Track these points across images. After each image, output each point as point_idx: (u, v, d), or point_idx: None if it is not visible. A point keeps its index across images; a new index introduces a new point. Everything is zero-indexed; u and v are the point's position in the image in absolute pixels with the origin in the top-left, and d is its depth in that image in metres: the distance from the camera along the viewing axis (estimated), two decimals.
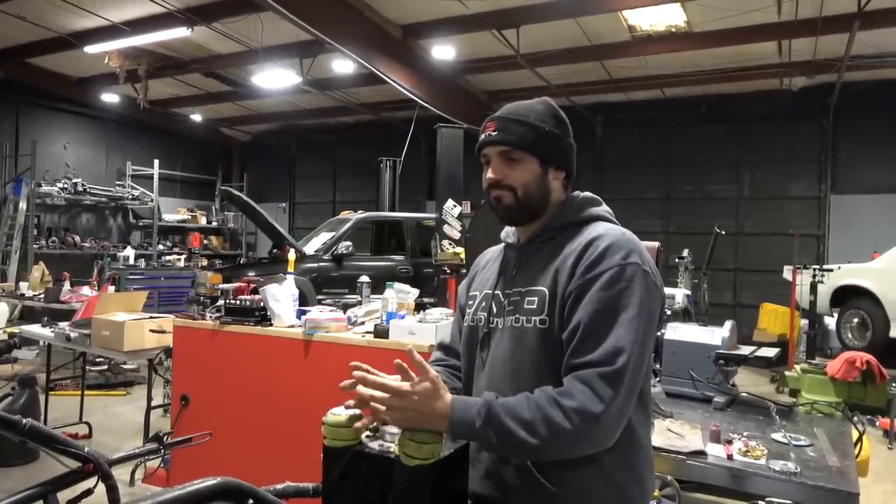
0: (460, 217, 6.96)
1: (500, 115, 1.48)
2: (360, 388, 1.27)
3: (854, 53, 7.67)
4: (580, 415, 1.19)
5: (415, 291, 3.36)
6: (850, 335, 7.89)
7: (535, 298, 1.38)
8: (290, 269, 3.62)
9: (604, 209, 1.50)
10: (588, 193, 1.53)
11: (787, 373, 6.47)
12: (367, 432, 1.31)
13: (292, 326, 3.28)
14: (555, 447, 1.22)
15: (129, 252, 9.98)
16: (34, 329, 5.12)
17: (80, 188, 11.07)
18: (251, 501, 1.19)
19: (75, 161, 11.63)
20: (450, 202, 7.02)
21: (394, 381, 1.28)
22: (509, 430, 1.21)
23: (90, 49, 8.54)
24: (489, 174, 1.47)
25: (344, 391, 1.31)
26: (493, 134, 1.45)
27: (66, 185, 10.88)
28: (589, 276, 1.31)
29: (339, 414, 1.28)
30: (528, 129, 1.44)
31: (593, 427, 1.21)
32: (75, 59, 9.46)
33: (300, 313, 3.31)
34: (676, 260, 6.94)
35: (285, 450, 3.09)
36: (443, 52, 8.67)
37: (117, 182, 12.26)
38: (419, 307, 3.41)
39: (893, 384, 5.59)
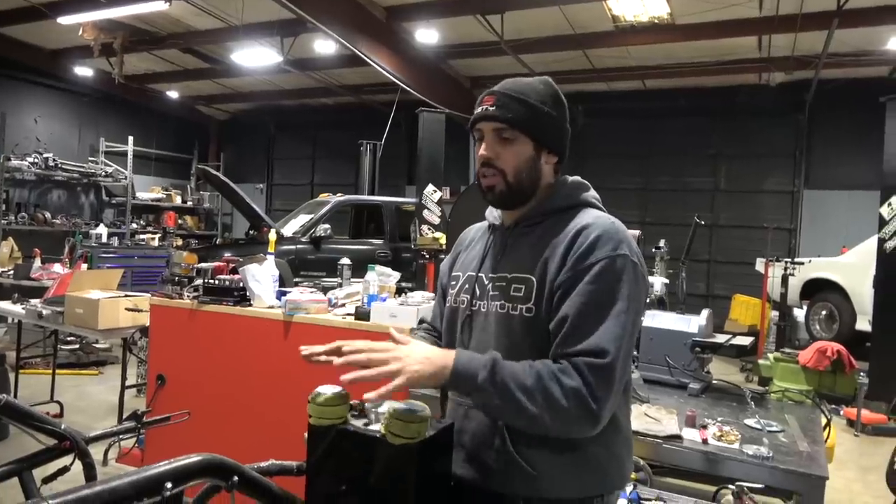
0: (440, 202, 6.94)
1: (500, 89, 1.42)
2: (353, 355, 1.24)
3: (832, 51, 7.78)
4: (577, 398, 1.20)
5: (396, 275, 3.35)
6: (818, 327, 8.10)
7: (523, 286, 1.37)
8: (271, 249, 3.58)
9: (592, 195, 1.48)
10: (577, 178, 1.50)
11: (760, 361, 6.63)
12: (353, 411, 1.30)
13: (272, 307, 3.25)
14: (547, 420, 1.21)
15: (102, 230, 9.75)
16: (4, 305, 4.99)
17: (51, 163, 10.78)
18: (236, 478, 1.19)
19: (47, 135, 11.35)
20: (430, 187, 6.99)
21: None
22: (510, 390, 1.21)
23: (63, 20, 8.28)
24: (481, 150, 1.42)
25: (319, 365, 1.30)
26: (490, 109, 1.39)
27: (36, 160, 10.59)
28: (579, 268, 1.30)
29: (324, 392, 1.28)
30: (527, 109, 1.39)
31: (585, 413, 1.20)
32: (48, 29, 9.17)
33: (280, 294, 3.29)
34: (653, 250, 7.04)
35: (264, 430, 3.07)
36: (426, 35, 8.60)
37: (90, 158, 11.99)
38: (398, 291, 3.41)
39: (861, 373, 5.77)
